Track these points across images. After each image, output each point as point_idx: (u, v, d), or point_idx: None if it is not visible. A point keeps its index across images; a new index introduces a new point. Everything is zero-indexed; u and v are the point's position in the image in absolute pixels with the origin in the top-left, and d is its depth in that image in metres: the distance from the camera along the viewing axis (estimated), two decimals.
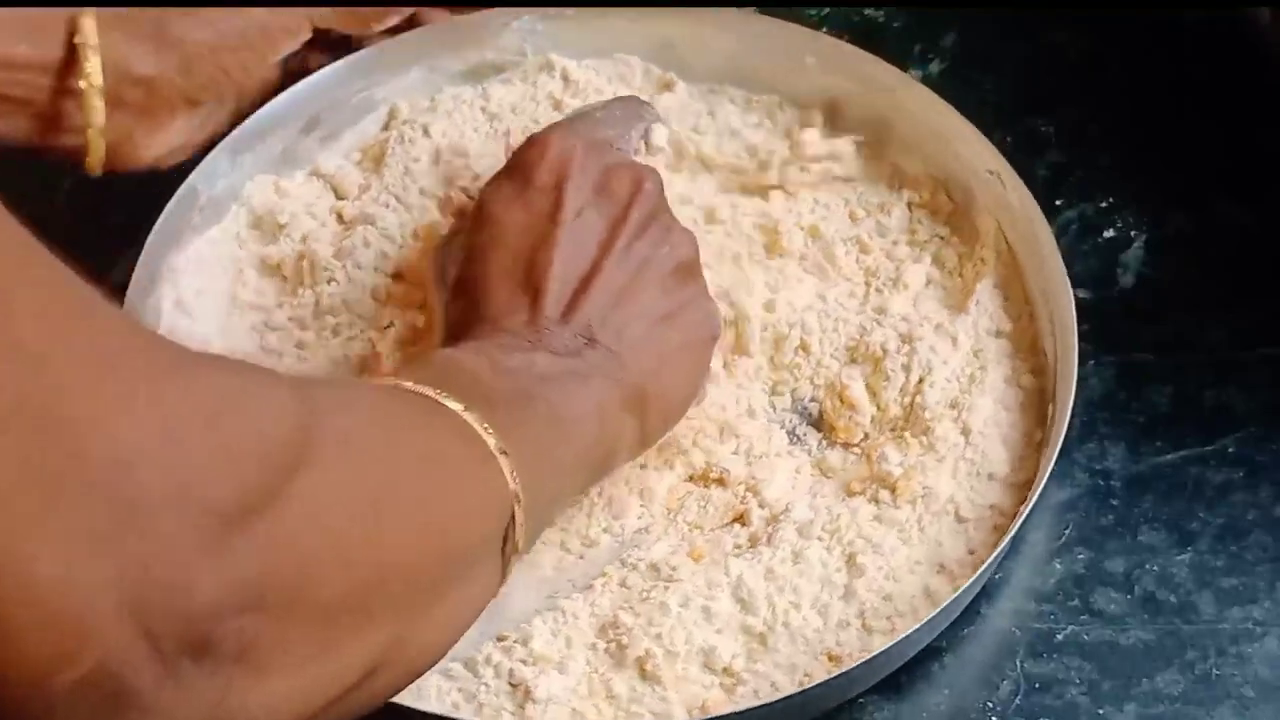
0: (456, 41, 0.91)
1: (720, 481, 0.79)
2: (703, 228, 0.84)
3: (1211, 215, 0.90)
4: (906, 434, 0.80)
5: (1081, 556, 0.79)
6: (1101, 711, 0.75)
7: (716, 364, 0.81)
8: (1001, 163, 0.84)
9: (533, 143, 0.77)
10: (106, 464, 0.48)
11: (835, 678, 0.72)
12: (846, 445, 0.81)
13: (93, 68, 0.78)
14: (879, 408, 0.81)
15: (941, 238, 0.86)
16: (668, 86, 0.91)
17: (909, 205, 0.87)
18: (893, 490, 0.78)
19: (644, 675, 0.74)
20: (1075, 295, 0.79)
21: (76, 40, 0.78)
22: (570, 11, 0.91)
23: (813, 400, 0.82)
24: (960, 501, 0.78)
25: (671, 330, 0.75)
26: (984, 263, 0.84)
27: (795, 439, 0.81)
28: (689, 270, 0.77)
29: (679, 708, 0.73)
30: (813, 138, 0.88)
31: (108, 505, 0.48)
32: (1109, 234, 0.89)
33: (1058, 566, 0.79)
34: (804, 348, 0.82)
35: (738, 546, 0.77)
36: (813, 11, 0.98)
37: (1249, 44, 0.93)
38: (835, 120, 0.89)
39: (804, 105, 0.90)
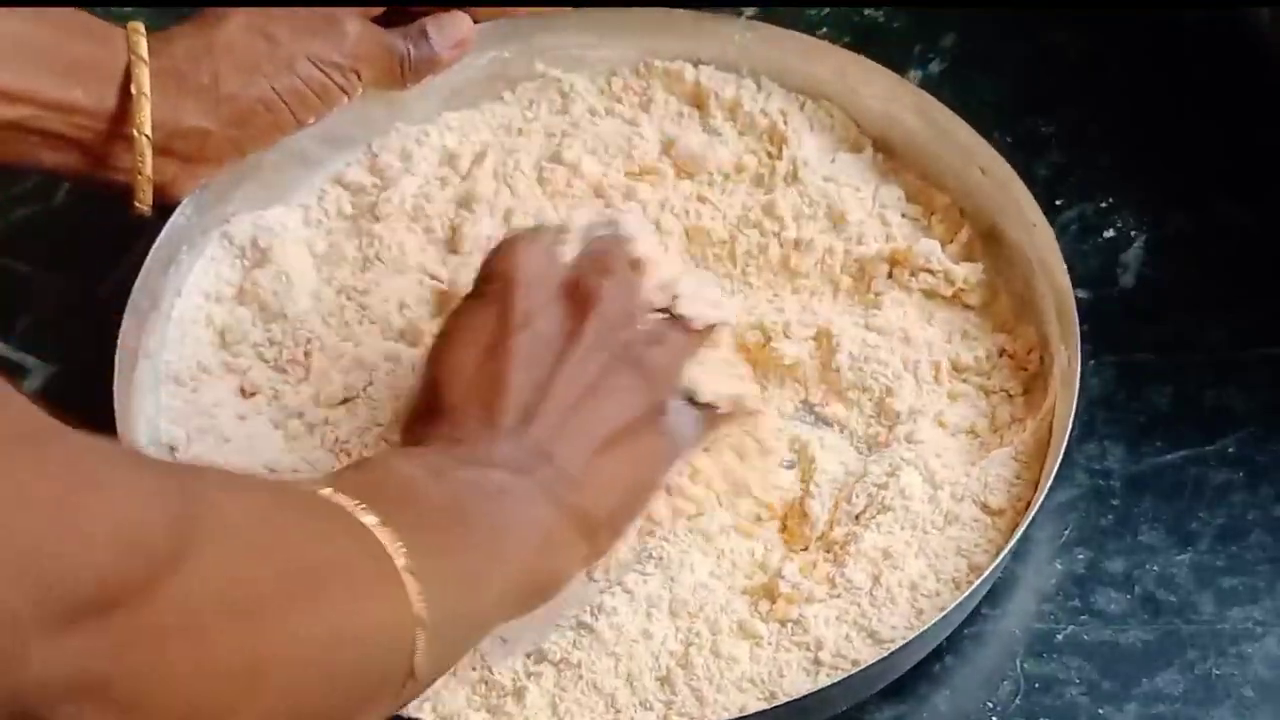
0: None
1: (647, 518, 0.76)
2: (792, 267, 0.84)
3: (1211, 215, 0.90)
4: (820, 559, 0.76)
5: (1081, 556, 0.79)
6: (1101, 711, 0.75)
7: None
8: (1073, 341, 0.78)
9: (494, 251, 0.75)
10: None
11: (838, 682, 0.71)
12: (788, 546, 0.77)
13: (144, 117, 0.79)
14: (830, 525, 0.77)
15: (1010, 394, 0.81)
16: (858, 148, 0.88)
17: (1000, 351, 0.82)
18: (771, 603, 0.74)
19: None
20: (1075, 295, 0.79)
21: (132, 90, 0.79)
22: (787, 41, 0.89)
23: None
24: (827, 645, 0.73)
25: (623, 452, 0.72)
26: (1023, 432, 0.79)
27: (757, 521, 0.78)
28: (658, 379, 0.73)
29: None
30: (926, 249, 0.83)
31: None
32: (1109, 234, 0.89)
33: (1058, 566, 0.79)
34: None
35: (601, 591, 0.74)
36: (813, 11, 0.98)
37: (1249, 44, 0.93)
38: (993, 244, 0.85)
39: (971, 217, 0.86)
